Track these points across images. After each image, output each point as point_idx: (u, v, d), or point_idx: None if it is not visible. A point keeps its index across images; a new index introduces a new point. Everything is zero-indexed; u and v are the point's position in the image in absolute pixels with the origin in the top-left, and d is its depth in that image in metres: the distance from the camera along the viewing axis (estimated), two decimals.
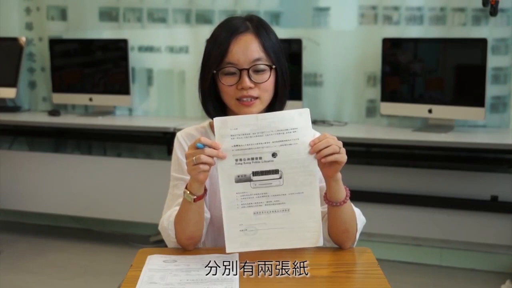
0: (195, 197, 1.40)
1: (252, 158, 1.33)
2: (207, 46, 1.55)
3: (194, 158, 1.33)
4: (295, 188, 1.34)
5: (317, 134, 1.40)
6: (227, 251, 1.37)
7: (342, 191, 1.42)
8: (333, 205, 1.42)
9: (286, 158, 1.33)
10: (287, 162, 1.33)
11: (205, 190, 1.43)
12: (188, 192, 1.40)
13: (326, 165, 1.36)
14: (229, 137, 1.33)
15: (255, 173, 1.34)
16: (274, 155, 1.33)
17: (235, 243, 1.37)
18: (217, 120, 1.35)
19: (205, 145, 1.33)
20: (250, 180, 1.34)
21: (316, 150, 1.34)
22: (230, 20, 1.54)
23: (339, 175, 1.40)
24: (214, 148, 1.33)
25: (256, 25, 1.51)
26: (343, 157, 1.35)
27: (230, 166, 1.34)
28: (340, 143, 1.36)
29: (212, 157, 1.33)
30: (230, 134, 1.33)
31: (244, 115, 1.39)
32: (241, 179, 1.34)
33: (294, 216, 1.36)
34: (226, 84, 1.49)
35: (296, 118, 1.33)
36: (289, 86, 1.56)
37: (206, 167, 1.33)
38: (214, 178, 1.53)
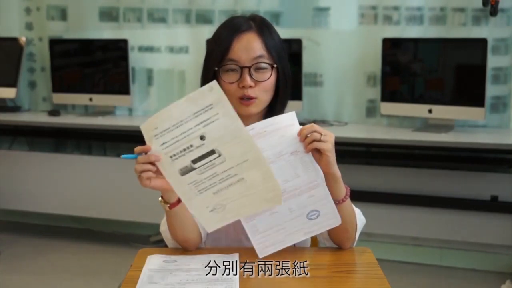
0: (169, 205, 1.41)
1: (184, 149, 1.30)
2: (209, 44, 1.55)
3: (140, 170, 1.32)
4: (238, 158, 1.31)
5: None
6: (209, 231, 1.39)
7: (341, 190, 1.41)
8: None
9: (215, 135, 1.29)
10: (218, 139, 1.29)
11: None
12: (162, 201, 1.41)
13: (317, 157, 1.35)
14: (154, 138, 1.31)
15: (194, 161, 1.31)
16: (202, 138, 1.29)
17: (211, 223, 1.37)
18: (141, 128, 1.33)
19: (138, 154, 1.32)
20: (193, 168, 1.31)
21: (303, 136, 1.33)
22: (233, 19, 1.53)
23: (338, 174, 1.39)
24: (145, 152, 1.31)
25: (259, 24, 1.51)
26: (324, 145, 1.33)
27: (169, 164, 1.31)
28: (327, 132, 1.34)
29: (146, 162, 1.31)
30: (153, 135, 1.31)
31: (157, 112, 1.32)
32: (185, 172, 1.31)
33: (251, 182, 1.33)
34: (227, 82, 1.48)
35: (207, 95, 1.28)
36: (290, 87, 1.56)
37: (148, 174, 1.31)
38: None
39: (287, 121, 1.35)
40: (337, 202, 1.41)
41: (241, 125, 1.29)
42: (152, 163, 1.31)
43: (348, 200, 1.44)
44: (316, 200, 1.38)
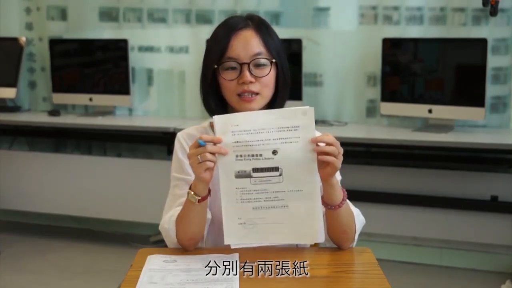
0: (199, 198, 1.39)
1: (253, 155, 1.32)
2: (208, 44, 1.56)
3: (199, 156, 1.32)
4: (294, 185, 1.33)
5: (318, 134, 1.39)
6: (225, 243, 1.37)
7: (338, 196, 1.40)
8: (328, 208, 1.41)
9: (287, 155, 1.32)
10: (287, 160, 1.32)
11: (209, 190, 1.42)
12: (193, 193, 1.40)
13: (321, 165, 1.34)
14: (230, 133, 1.32)
15: (255, 170, 1.33)
16: (274, 152, 1.32)
17: (233, 236, 1.37)
18: (218, 118, 1.34)
19: (206, 142, 1.32)
20: (250, 176, 1.33)
21: (318, 142, 1.31)
22: (230, 19, 1.55)
23: (335, 181, 1.39)
24: (215, 143, 1.32)
25: (257, 22, 1.53)
26: (336, 162, 1.33)
27: (231, 162, 1.33)
28: (342, 150, 1.35)
29: (214, 153, 1.32)
30: (231, 130, 1.32)
31: (244, 112, 1.37)
32: (241, 175, 1.33)
33: (292, 212, 1.35)
34: (227, 79, 1.49)
35: (298, 116, 1.31)
36: (289, 84, 1.56)
37: (211, 164, 1.32)
38: (215, 178, 1.53)
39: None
40: (334, 208, 1.40)
41: (315, 157, 1.32)
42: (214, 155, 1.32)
43: (345, 204, 1.43)
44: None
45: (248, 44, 1.48)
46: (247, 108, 1.48)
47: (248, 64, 1.48)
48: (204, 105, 1.57)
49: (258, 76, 1.48)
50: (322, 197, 1.41)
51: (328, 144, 1.32)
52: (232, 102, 1.52)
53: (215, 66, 1.50)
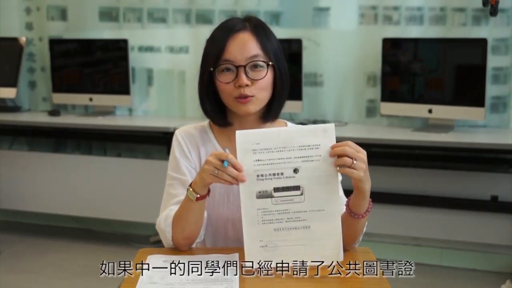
0: (198, 196, 1.39)
1: (274, 174, 1.31)
2: (206, 46, 1.55)
3: (216, 172, 1.31)
4: (316, 205, 1.32)
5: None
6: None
7: (364, 206, 1.42)
8: (350, 215, 1.41)
9: (308, 174, 1.31)
10: (309, 179, 1.31)
11: (209, 190, 1.42)
12: (191, 189, 1.40)
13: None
14: (251, 152, 1.31)
15: (276, 189, 1.32)
16: (295, 171, 1.31)
17: (254, 259, 1.35)
18: (239, 134, 1.32)
19: (229, 164, 1.30)
20: (271, 196, 1.32)
21: (332, 155, 1.31)
22: (228, 21, 1.54)
23: (366, 191, 1.40)
24: (237, 169, 1.31)
25: (255, 24, 1.51)
26: (353, 173, 1.32)
27: (252, 182, 1.32)
28: (360, 156, 1.33)
29: (233, 177, 1.31)
30: (252, 148, 1.31)
31: (264, 129, 1.35)
32: (262, 195, 1.32)
33: (314, 233, 1.34)
34: (223, 82, 1.48)
35: (319, 134, 1.31)
36: (288, 87, 1.55)
37: (222, 182, 1.32)
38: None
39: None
40: (356, 216, 1.41)
41: (336, 176, 1.32)
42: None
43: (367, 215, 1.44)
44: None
45: (244, 46, 1.47)
46: (244, 109, 1.48)
47: (244, 66, 1.46)
48: (201, 107, 1.57)
49: (254, 79, 1.47)
50: (348, 203, 1.41)
51: (339, 155, 1.30)
52: (229, 105, 1.51)
53: (211, 69, 1.49)
